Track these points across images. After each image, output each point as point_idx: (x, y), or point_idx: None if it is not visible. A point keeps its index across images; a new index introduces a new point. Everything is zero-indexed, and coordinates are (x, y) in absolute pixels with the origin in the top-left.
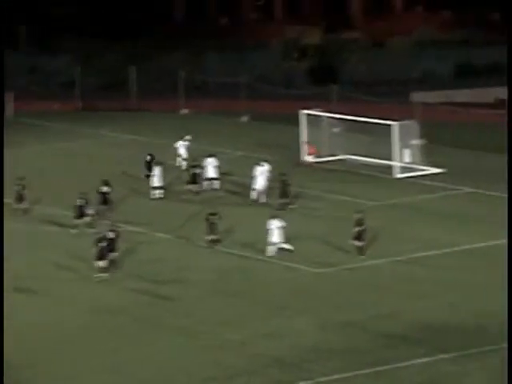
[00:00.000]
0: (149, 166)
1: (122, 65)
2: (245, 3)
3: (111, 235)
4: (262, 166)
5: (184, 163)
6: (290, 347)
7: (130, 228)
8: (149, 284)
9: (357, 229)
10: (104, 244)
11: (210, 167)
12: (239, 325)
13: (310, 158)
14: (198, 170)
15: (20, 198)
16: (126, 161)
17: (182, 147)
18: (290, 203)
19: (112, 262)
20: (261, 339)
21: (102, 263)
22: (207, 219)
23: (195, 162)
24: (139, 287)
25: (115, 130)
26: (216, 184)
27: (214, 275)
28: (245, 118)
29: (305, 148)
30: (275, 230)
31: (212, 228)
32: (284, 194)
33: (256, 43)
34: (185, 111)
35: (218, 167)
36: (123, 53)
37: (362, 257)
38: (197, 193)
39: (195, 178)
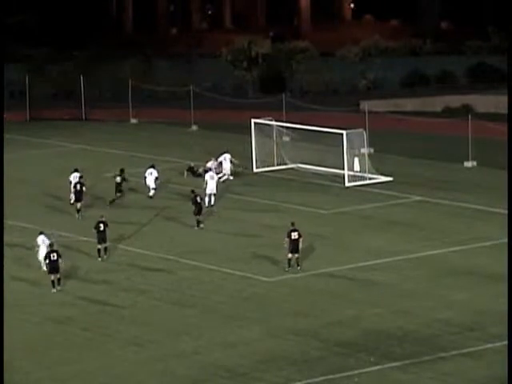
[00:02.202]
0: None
1: (71, 74)
2: (194, 13)
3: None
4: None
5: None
6: (241, 356)
7: (80, 238)
8: (99, 293)
9: (290, 241)
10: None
11: (150, 177)
12: (191, 334)
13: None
14: (118, 180)
15: None
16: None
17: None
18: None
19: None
20: (213, 349)
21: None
22: None
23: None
24: (89, 296)
25: (64, 139)
26: (152, 192)
27: (165, 284)
28: (194, 127)
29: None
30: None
31: None
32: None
33: (205, 53)
34: (134, 121)
35: (157, 178)
36: (72, 62)
37: (298, 268)
38: (113, 201)
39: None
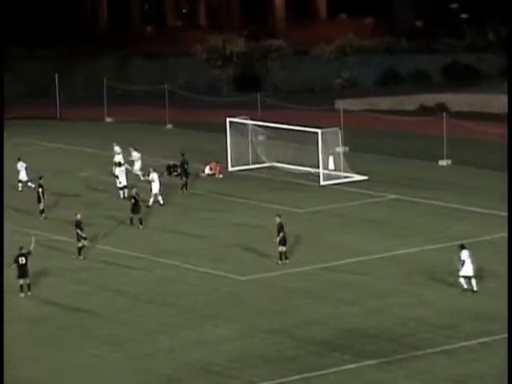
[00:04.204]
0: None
1: (45, 73)
2: (169, 11)
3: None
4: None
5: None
6: (216, 355)
7: (58, 237)
8: (75, 292)
9: (280, 234)
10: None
11: (122, 176)
12: (166, 333)
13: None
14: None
15: None
16: (50, 170)
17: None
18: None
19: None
20: (188, 347)
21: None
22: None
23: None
24: (65, 296)
25: (38, 138)
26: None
27: (142, 284)
28: (169, 126)
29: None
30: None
31: None
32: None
33: (180, 51)
34: (109, 119)
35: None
36: (46, 60)
37: (287, 261)
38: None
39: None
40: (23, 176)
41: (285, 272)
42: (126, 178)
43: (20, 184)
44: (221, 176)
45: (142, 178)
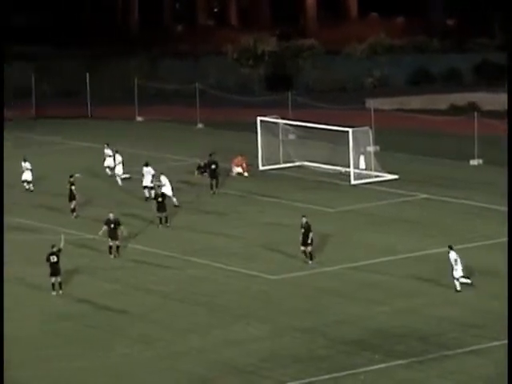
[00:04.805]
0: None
1: (76, 72)
2: (200, 10)
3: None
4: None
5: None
6: (248, 354)
7: (89, 236)
8: (107, 291)
9: (306, 234)
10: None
11: (148, 176)
12: (198, 332)
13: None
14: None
15: None
16: (80, 168)
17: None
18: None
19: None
20: (219, 346)
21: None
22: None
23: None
24: (97, 294)
25: (69, 137)
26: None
27: (173, 283)
28: (200, 125)
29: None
30: None
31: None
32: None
33: (211, 50)
34: (140, 119)
35: (153, 176)
36: (78, 60)
37: (311, 262)
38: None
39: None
40: (28, 176)
41: (315, 271)
42: (152, 178)
43: (25, 184)
44: (246, 174)
45: (120, 183)
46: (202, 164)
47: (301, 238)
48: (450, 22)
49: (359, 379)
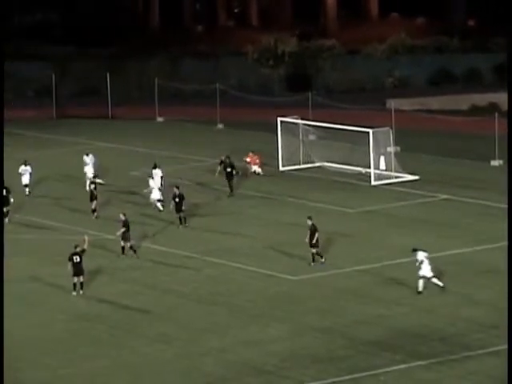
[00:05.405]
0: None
1: (97, 72)
2: (220, 11)
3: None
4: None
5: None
6: (267, 354)
7: (108, 236)
8: (126, 291)
9: (313, 235)
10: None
11: (157, 178)
12: (217, 332)
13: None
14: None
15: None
16: (101, 169)
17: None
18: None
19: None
20: (239, 346)
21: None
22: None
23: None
24: (116, 294)
25: (90, 137)
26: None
27: (192, 283)
28: (220, 126)
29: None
30: None
31: None
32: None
33: (231, 50)
34: (160, 119)
35: (163, 178)
36: (98, 60)
37: (313, 264)
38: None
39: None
40: (26, 180)
41: (335, 272)
42: (161, 180)
43: (27, 189)
44: (260, 170)
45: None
46: (225, 158)
47: (307, 240)
48: (470, 23)
49: (379, 380)
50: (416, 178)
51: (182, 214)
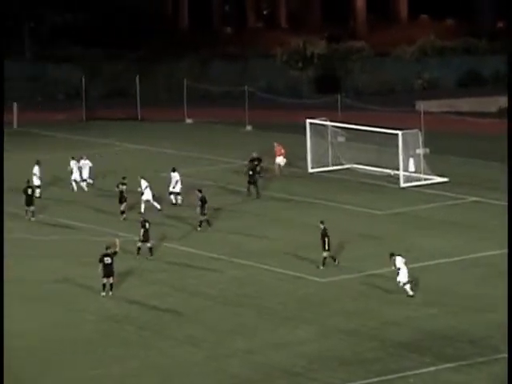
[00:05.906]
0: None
1: (126, 74)
2: (249, 13)
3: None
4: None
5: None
6: (295, 356)
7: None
8: (154, 293)
9: (324, 239)
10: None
11: (174, 181)
12: (245, 334)
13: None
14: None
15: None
16: (130, 171)
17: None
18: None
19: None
20: (267, 348)
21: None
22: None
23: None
24: (144, 296)
25: (120, 139)
26: (179, 199)
27: (220, 284)
28: (249, 128)
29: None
30: None
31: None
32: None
33: (260, 52)
34: (189, 121)
35: (181, 181)
36: (127, 62)
37: (322, 267)
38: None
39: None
40: (36, 181)
41: (363, 274)
42: (181, 184)
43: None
44: (284, 161)
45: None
46: (255, 156)
47: (327, 244)
48: (499, 24)
49: (409, 382)
50: (445, 180)
51: (205, 218)
